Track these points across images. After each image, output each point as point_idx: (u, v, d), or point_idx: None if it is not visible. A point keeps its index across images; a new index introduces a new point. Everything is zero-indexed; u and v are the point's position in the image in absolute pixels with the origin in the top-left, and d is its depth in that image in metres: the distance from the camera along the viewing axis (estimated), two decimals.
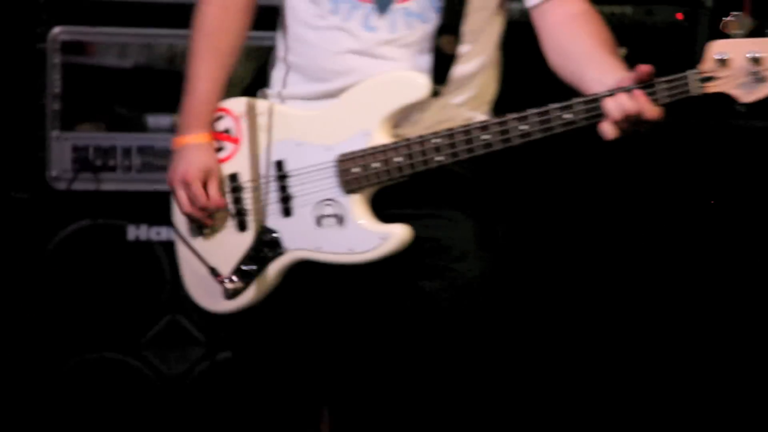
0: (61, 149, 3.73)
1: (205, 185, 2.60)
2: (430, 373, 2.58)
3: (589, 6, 2.57)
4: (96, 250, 3.73)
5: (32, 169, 3.75)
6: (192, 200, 2.60)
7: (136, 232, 3.74)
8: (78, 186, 3.72)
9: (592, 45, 2.51)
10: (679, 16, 4.06)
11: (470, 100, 2.58)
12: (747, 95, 2.26)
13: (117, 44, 3.93)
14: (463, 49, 2.53)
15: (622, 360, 3.93)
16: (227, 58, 2.65)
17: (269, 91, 2.67)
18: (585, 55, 2.49)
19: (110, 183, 3.75)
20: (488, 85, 2.64)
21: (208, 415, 3.74)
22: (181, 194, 2.61)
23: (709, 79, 2.27)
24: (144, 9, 3.74)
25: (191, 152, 2.61)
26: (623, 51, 3.95)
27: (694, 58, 3.86)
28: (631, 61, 3.94)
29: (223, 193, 2.63)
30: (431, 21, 2.51)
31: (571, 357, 3.92)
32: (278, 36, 2.68)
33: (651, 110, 2.32)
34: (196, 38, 2.64)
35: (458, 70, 2.54)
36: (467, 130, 2.43)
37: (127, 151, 3.74)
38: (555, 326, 3.93)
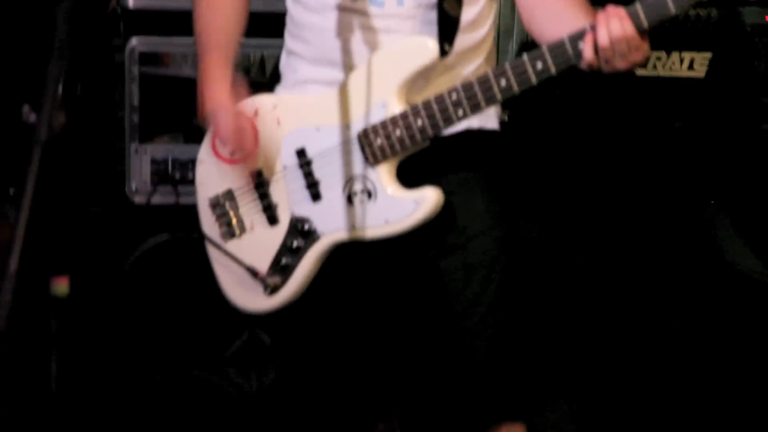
0: (140, 162, 3.72)
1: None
2: (446, 348, 2.63)
3: None
4: (175, 265, 3.72)
5: (111, 182, 3.74)
6: (235, 131, 2.59)
7: None
8: (157, 200, 3.71)
9: (585, 17, 2.53)
10: None
11: (480, 67, 2.65)
12: None
13: (193, 54, 3.91)
14: (467, 16, 2.58)
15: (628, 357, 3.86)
16: (231, 45, 2.69)
17: (281, 85, 2.75)
18: (574, 22, 2.51)
19: (189, 196, 3.71)
20: (491, 59, 2.71)
21: (288, 430, 3.71)
22: (225, 120, 2.58)
23: None
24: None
25: (231, 107, 2.60)
26: (709, 55, 3.89)
27: None
28: (717, 65, 3.89)
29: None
30: None
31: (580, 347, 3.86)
32: (286, 29, 2.74)
33: (631, 31, 2.38)
34: (198, 35, 2.69)
35: (466, 37, 2.60)
36: (485, 79, 2.47)
37: None
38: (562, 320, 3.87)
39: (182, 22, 3.76)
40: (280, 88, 2.74)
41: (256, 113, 2.66)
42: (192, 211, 3.71)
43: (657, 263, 3.91)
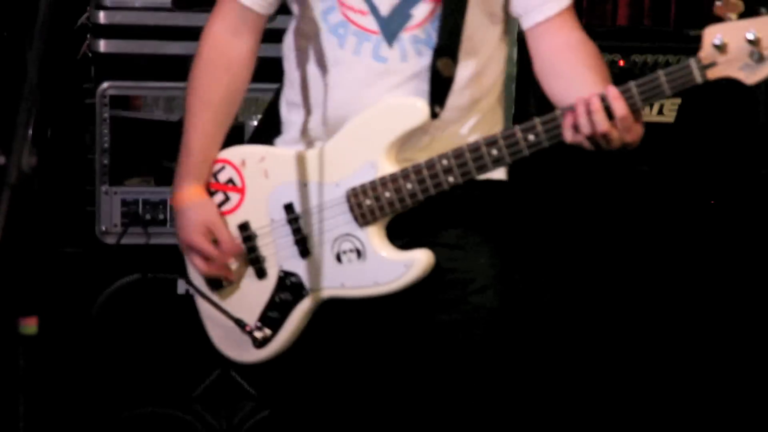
0: (110, 204, 3.75)
1: (214, 240, 2.54)
2: (448, 405, 2.54)
3: (586, 37, 2.51)
4: (146, 305, 3.74)
5: (82, 223, 3.77)
6: (208, 259, 2.55)
7: (186, 286, 3.72)
8: (127, 240, 3.73)
9: (592, 79, 2.42)
10: None
11: (477, 127, 2.53)
12: (750, 77, 2.22)
13: (164, 98, 3.95)
14: (464, 72, 2.48)
15: (638, 385, 3.85)
16: (220, 112, 2.58)
17: (280, 138, 2.63)
18: (584, 85, 2.39)
19: (160, 237, 3.75)
20: (496, 112, 2.60)
21: None
22: (194, 259, 2.56)
23: (710, 65, 2.24)
24: (191, 63, 3.74)
25: (186, 214, 2.56)
26: (678, 101, 3.93)
27: (757, 109, 3.87)
28: (686, 112, 3.93)
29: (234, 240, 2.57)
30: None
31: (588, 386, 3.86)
32: (285, 77, 2.63)
33: (622, 108, 2.27)
34: (187, 94, 2.60)
35: (460, 95, 2.49)
36: (476, 147, 2.38)
37: None
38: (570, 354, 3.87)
39: (153, 67, 3.80)
40: (278, 141, 2.63)
41: (243, 164, 2.58)
42: (162, 251, 3.76)
43: (653, 312, 3.91)
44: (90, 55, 3.75)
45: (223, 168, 2.60)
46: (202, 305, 2.66)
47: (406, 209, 2.46)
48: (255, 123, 3.61)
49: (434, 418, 2.57)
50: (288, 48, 2.60)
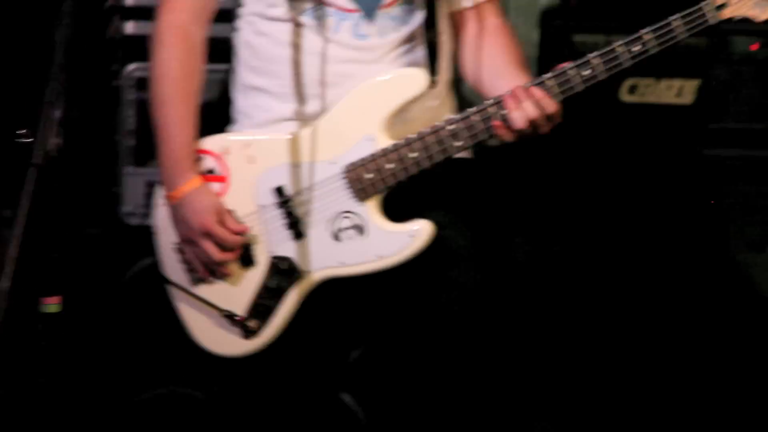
0: (134, 185, 3.76)
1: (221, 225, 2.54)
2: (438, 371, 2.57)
3: (503, 22, 2.61)
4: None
5: (106, 204, 3.79)
6: (221, 245, 2.53)
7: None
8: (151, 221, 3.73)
9: (504, 61, 2.55)
10: (754, 47, 4.01)
11: (443, 102, 2.58)
12: (762, 13, 2.30)
13: None
14: (444, 47, 2.55)
15: (622, 360, 3.86)
16: (196, 100, 2.61)
17: (242, 124, 2.65)
18: (497, 70, 2.55)
19: None
20: (453, 94, 2.66)
21: None
22: (208, 245, 2.54)
23: (723, 6, 2.31)
24: (215, 45, 3.75)
25: (194, 200, 2.54)
26: (697, 82, 3.93)
27: None
28: (706, 91, 3.93)
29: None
30: (409, 22, 2.55)
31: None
32: (240, 63, 2.64)
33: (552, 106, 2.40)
34: (162, 84, 2.58)
35: (445, 69, 2.56)
36: (483, 109, 2.42)
37: None
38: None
39: None
40: (240, 127, 2.66)
41: (226, 152, 2.58)
42: None
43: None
44: (117, 37, 3.77)
45: (201, 158, 2.60)
46: (182, 302, 2.65)
47: (407, 180, 2.48)
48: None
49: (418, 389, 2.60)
50: (249, 32, 2.61)
